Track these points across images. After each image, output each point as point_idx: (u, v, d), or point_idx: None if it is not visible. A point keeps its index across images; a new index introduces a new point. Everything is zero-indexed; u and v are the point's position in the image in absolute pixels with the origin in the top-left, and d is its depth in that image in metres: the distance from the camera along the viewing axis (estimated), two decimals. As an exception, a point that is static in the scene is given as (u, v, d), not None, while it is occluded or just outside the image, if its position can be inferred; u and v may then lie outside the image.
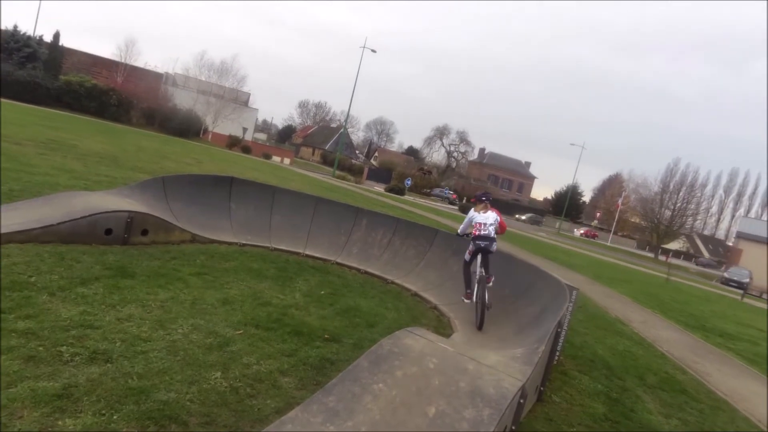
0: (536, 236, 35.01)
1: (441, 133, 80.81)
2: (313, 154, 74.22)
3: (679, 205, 47.14)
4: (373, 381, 3.08)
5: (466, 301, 6.37)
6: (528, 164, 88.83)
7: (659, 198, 47.85)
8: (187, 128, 39.99)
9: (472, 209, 6.61)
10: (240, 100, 52.08)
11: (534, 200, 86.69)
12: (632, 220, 61.99)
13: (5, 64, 32.19)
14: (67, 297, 4.27)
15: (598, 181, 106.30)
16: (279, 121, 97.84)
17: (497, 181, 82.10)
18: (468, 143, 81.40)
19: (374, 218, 9.14)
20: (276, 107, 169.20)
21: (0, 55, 32.26)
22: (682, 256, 64.16)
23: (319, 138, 77.90)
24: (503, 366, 3.54)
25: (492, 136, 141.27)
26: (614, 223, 60.89)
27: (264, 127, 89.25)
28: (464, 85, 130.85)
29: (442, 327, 6.16)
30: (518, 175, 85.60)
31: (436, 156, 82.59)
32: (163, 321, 4.25)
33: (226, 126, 47.03)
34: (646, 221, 50.63)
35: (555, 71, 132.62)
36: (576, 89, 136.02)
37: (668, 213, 47.35)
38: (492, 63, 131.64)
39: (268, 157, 43.48)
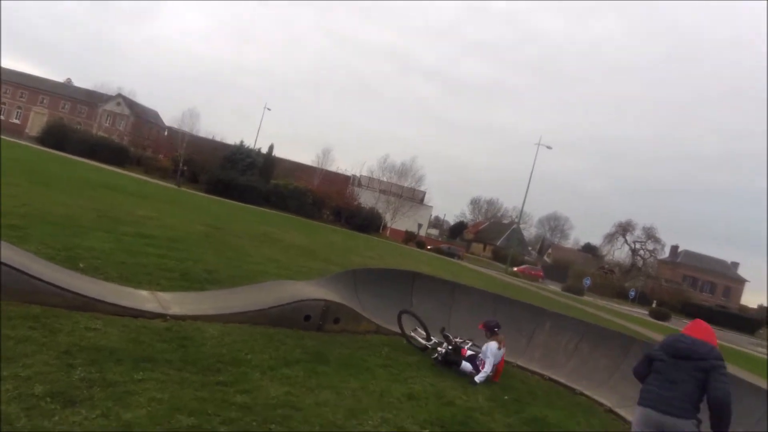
0: (753, 352, 28.71)
1: (624, 229, 73.92)
2: (484, 249, 74.20)
3: None
4: None
5: None
6: (735, 265, 75.63)
7: None
8: (369, 224, 43.59)
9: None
10: (416, 199, 55.56)
11: (745, 307, 71.95)
12: None
13: (230, 171, 39.67)
14: (274, 376, 4.69)
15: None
16: (451, 218, 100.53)
17: (695, 284, 70.92)
18: (657, 240, 72.62)
19: (558, 321, 8.53)
20: (448, 204, 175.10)
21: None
22: None
23: (491, 234, 78.01)
24: None
25: (687, 233, 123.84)
26: None
27: (436, 222, 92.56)
28: (647, 177, 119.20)
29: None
30: (723, 277, 73.07)
31: (618, 254, 75.37)
32: (354, 410, 4.37)
33: (403, 222, 50.12)
34: None
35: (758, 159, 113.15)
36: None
37: None
38: (679, 151, 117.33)
39: (440, 251, 44.58)
